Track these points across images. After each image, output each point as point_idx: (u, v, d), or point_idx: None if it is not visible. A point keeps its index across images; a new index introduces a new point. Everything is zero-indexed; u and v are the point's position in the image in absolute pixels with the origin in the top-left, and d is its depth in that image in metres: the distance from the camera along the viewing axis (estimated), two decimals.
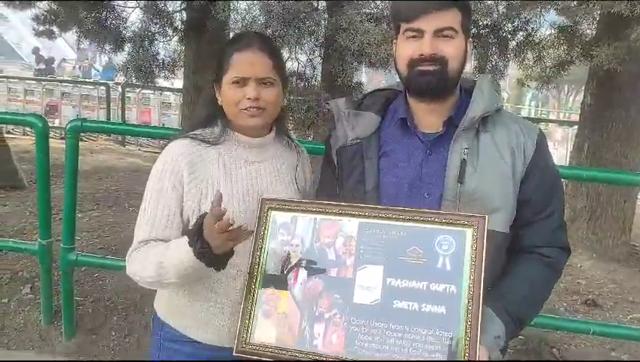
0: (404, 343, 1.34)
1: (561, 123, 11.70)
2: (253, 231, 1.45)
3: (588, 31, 4.09)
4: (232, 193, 1.57)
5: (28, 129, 8.71)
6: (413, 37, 1.44)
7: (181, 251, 1.41)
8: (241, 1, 4.08)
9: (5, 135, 5.94)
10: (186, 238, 1.41)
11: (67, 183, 3.03)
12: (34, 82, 12.46)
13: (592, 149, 5.14)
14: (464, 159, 1.44)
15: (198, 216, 1.42)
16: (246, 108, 1.56)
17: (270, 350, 1.44)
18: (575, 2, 3.32)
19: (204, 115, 1.69)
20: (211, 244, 1.36)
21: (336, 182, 1.60)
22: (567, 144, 9.02)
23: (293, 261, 1.48)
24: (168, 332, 1.66)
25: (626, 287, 4.57)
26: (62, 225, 3.15)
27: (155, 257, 1.48)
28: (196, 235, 1.37)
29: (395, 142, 1.54)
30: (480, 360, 1.29)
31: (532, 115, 20.80)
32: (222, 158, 1.60)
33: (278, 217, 1.53)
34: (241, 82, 1.55)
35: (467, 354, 1.29)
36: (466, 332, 1.31)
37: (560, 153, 9.53)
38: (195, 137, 1.61)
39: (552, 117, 20.91)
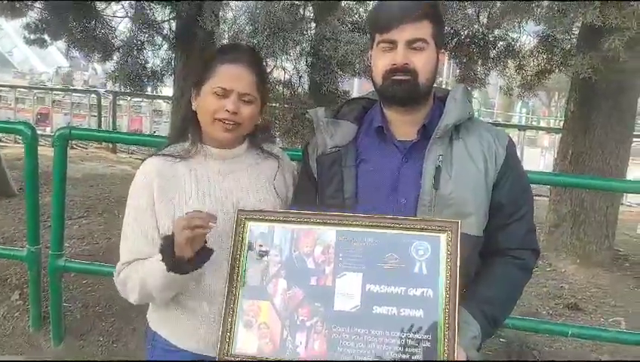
0: (385, 347, 1.38)
1: (548, 130, 11.84)
2: (214, 219, 1.44)
3: (566, 40, 4.19)
4: (204, 206, 1.57)
5: (19, 137, 8.73)
6: (387, 48, 1.50)
7: (155, 266, 1.47)
8: (228, 12, 4.14)
9: None
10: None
11: (55, 190, 3.06)
12: (25, 90, 12.46)
13: (575, 156, 5.21)
14: (439, 166, 1.49)
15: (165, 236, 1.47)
16: (222, 120, 1.57)
17: (252, 360, 1.45)
18: (553, 13, 3.42)
19: (179, 120, 1.71)
20: (175, 241, 1.41)
21: (314, 190, 1.64)
22: (554, 150, 9.13)
23: (273, 271, 1.49)
24: (158, 341, 1.68)
25: (609, 292, 4.64)
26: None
27: (137, 276, 1.54)
28: (167, 241, 1.44)
29: (372, 150, 1.59)
30: (458, 360, 1.35)
31: (523, 122, 20.99)
32: (193, 172, 1.62)
33: (254, 228, 1.53)
34: (222, 94, 1.56)
35: (446, 355, 1.34)
36: (444, 333, 1.35)
37: (547, 160, 9.64)
38: (166, 154, 1.64)
39: (542, 124, 21.13)
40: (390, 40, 1.49)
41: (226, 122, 1.57)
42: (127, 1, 4.89)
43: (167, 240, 1.44)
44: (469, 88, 1.72)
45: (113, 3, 4.93)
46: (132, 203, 1.62)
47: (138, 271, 1.55)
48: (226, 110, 1.55)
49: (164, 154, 1.64)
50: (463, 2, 3.77)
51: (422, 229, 1.43)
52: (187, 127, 1.68)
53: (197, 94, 1.63)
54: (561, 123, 5.85)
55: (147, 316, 1.76)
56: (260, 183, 1.69)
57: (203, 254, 1.46)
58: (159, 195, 1.58)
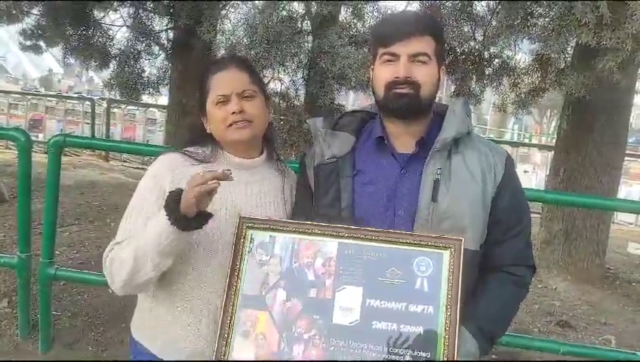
0: None
1: (540, 147, 11.93)
2: (230, 176, 1.40)
3: (561, 60, 4.25)
4: (217, 214, 1.54)
5: (11, 142, 8.71)
6: (390, 61, 1.51)
7: (156, 222, 1.43)
8: (226, 23, 4.16)
9: None
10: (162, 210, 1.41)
11: (48, 198, 3.04)
12: (18, 96, 12.43)
13: (567, 174, 5.26)
14: (437, 179, 1.49)
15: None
16: (232, 124, 1.58)
17: None
18: (548, 32, 3.47)
19: (193, 140, 1.70)
20: (184, 196, 1.37)
21: (312, 200, 1.63)
22: (546, 168, 9.20)
23: (272, 281, 1.47)
24: (141, 353, 1.65)
25: (599, 309, 4.67)
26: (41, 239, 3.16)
27: (130, 247, 1.48)
28: (173, 196, 1.40)
29: (370, 162, 1.59)
30: None
31: (515, 139, 21.15)
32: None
33: (256, 236, 1.51)
34: (223, 100, 1.59)
35: None
36: (443, 352, 1.34)
37: (539, 176, 9.71)
38: (186, 153, 1.64)
39: (534, 141, 21.30)
40: (393, 53, 1.50)
41: (236, 123, 1.59)
42: (126, 7, 4.90)
43: (173, 195, 1.41)
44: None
45: (111, 12, 4.95)
46: (141, 189, 1.61)
47: (131, 243, 1.49)
48: (232, 112, 1.58)
49: (184, 153, 1.64)
50: (459, 19, 3.82)
51: (425, 245, 1.42)
52: (204, 142, 1.68)
53: (205, 116, 1.66)
54: (553, 140, 5.90)
55: (130, 326, 1.72)
56: (272, 196, 1.69)
57: (205, 216, 1.43)
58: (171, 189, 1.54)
